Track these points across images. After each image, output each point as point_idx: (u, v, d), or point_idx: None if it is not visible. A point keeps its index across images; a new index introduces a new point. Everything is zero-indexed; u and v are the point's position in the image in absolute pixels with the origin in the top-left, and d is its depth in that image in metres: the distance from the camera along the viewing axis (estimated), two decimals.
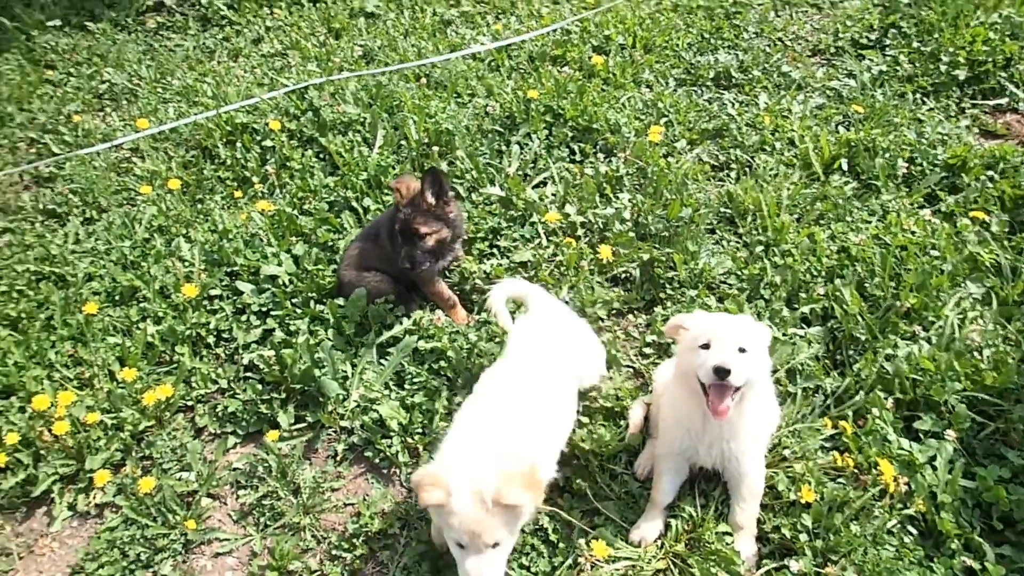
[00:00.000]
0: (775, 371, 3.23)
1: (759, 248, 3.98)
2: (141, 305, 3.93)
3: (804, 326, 3.60)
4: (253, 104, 5.17)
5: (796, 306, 3.64)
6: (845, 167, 4.53)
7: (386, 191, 4.44)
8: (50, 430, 3.20)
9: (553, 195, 4.41)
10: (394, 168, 4.55)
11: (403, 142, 4.80)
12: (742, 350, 2.54)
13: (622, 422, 3.22)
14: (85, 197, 4.66)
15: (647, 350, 3.60)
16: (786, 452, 3.00)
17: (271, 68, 5.85)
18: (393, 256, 3.67)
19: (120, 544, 2.99)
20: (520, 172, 4.55)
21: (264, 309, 3.85)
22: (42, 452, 3.27)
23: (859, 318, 3.50)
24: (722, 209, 4.28)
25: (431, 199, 3.50)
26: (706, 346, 2.56)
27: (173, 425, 3.47)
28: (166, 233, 4.38)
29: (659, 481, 2.85)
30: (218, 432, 3.47)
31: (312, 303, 3.82)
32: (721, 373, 2.48)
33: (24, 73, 5.91)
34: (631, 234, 4.05)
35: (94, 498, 3.21)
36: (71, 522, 3.18)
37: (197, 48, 6.24)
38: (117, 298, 4.01)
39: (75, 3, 6.87)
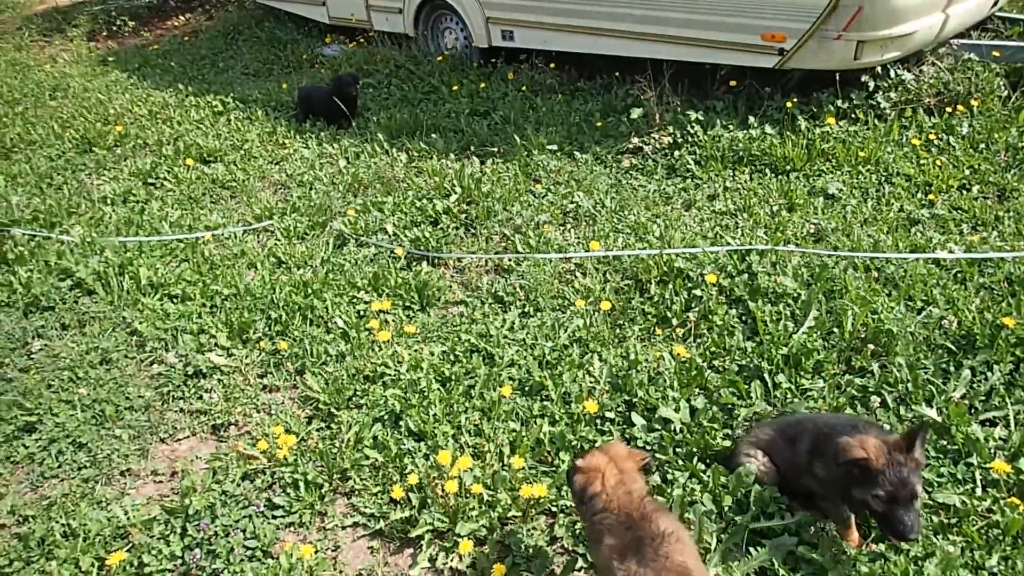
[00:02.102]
0: None
1: None
2: (543, 403, 4.25)
3: None
4: (694, 253, 5.39)
5: None
6: None
7: (802, 373, 4.21)
8: (442, 485, 3.57)
9: (1004, 440, 3.72)
10: (818, 353, 4.30)
11: (835, 329, 4.53)
12: None
13: None
14: (529, 294, 5.29)
15: None
16: None
17: (718, 224, 6.08)
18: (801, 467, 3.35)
19: None
20: (966, 401, 3.95)
21: (649, 448, 3.87)
22: (428, 500, 3.67)
23: None
24: None
25: (920, 457, 2.97)
26: None
27: (534, 524, 3.62)
28: (583, 346, 4.72)
29: None
30: (569, 548, 3.52)
31: (695, 459, 3.73)
32: None
33: (517, 182, 7.05)
34: None
35: (451, 561, 3.47)
36: (427, 573, 3.48)
37: (657, 192, 6.78)
38: (526, 389, 4.40)
39: (571, 136, 8.06)
